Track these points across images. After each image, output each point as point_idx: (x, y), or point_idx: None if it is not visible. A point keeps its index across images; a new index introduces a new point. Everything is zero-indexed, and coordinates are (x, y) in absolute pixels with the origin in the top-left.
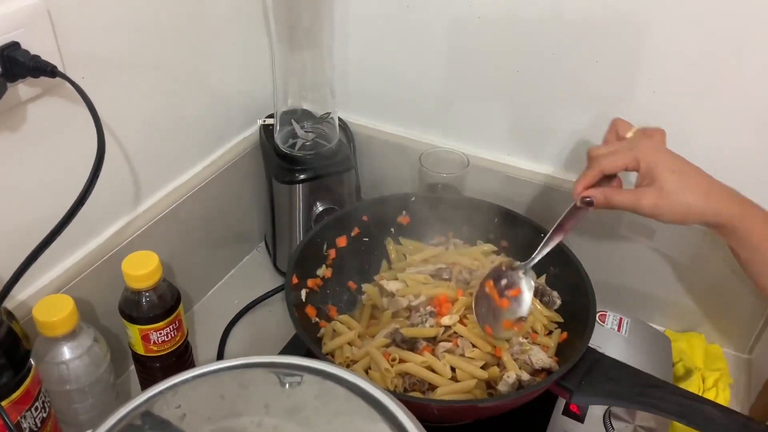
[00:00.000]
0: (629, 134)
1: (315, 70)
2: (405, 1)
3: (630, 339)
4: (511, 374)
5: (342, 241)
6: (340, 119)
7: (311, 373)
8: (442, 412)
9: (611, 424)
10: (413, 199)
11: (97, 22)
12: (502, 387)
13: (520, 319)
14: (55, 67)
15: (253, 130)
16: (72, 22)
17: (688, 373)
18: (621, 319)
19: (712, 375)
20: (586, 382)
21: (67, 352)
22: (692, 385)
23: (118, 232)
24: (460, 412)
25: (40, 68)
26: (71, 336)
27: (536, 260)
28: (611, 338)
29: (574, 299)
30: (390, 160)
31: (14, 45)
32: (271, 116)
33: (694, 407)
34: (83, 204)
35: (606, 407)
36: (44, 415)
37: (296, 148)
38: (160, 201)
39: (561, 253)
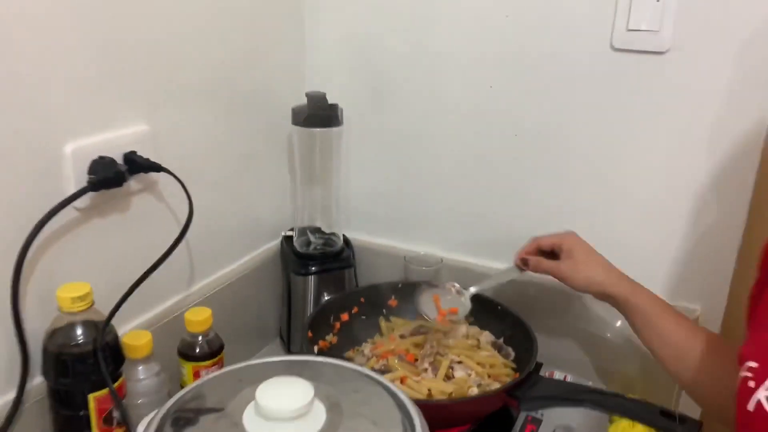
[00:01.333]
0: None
1: (324, 198)
2: (393, 156)
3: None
4: (474, 389)
5: (345, 317)
6: (343, 235)
7: None
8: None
9: None
10: (400, 286)
11: (181, 147)
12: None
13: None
14: (161, 165)
15: (275, 242)
16: (168, 140)
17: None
18: (566, 376)
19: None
20: (531, 393)
21: (141, 372)
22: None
23: (178, 302)
24: (433, 409)
25: (152, 166)
26: (145, 360)
27: (473, 292)
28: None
29: (525, 352)
30: (381, 262)
31: (133, 152)
32: (291, 230)
33: (615, 401)
34: (165, 259)
35: (553, 428)
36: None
37: (310, 248)
38: (206, 285)
39: (517, 321)
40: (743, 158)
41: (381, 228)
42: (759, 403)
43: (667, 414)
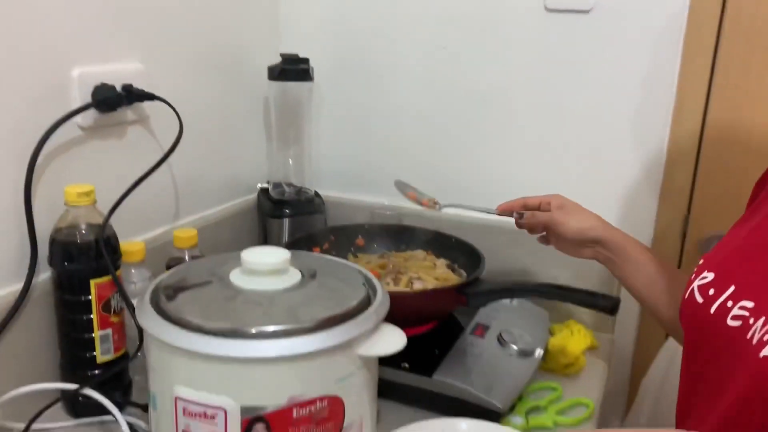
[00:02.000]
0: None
1: (297, 156)
2: (359, 117)
3: (517, 307)
4: (429, 285)
5: (316, 250)
6: (315, 191)
7: None
8: None
9: (503, 339)
10: (366, 227)
11: (169, 92)
12: None
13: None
14: (154, 95)
15: (252, 196)
16: (159, 81)
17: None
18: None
19: (580, 330)
20: (477, 290)
21: (135, 275)
22: (563, 336)
23: (165, 232)
24: (394, 300)
25: (147, 96)
26: (138, 266)
27: (445, 207)
28: (504, 307)
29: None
30: (349, 214)
31: (130, 84)
32: (267, 182)
33: (548, 288)
34: (157, 168)
35: (499, 331)
36: (121, 306)
37: (284, 196)
38: (192, 221)
39: (468, 248)
40: (658, 103)
41: (349, 184)
42: (692, 291)
43: (591, 294)
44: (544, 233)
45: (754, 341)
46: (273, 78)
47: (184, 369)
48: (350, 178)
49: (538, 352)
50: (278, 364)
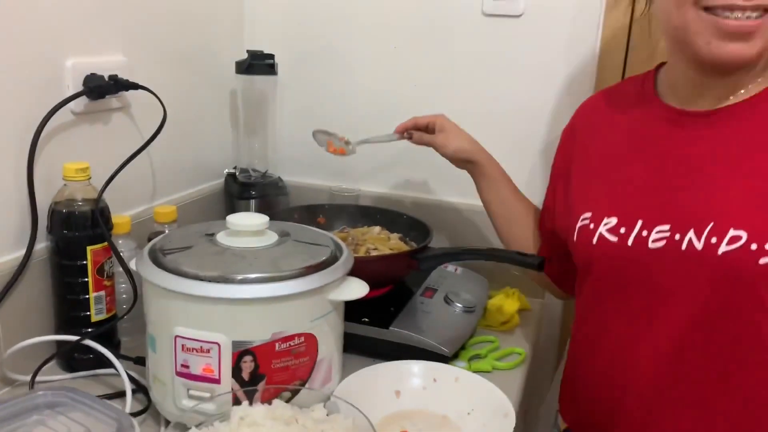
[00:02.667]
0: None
1: (262, 144)
2: (319, 107)
3: (461, 275)
4: (385, 253)
5: None
6: (279, 177)
7: None
8: None
9: (449, 299)
10: (326, 206)
11: (148, 80)
12: None
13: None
14: (138, 84)
15: (220, 181)
16: (140, 73)
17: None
18: (456, 267)
19: (515, 293)
20: (427, 255)
21: (122, 246)
22: (500, 298)
23: (145, 210)
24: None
25: (130, 85)
26: (125, 237)
27: (359, 142)
28: (450, 274)
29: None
30: (311, 197)
31: (115, 75)
32: (234, 168)
33: (487, 251)
34: (143, 150)
35: (445, 293)
36: (114, 270)
37: (250, 180)
38: (168, 201)
39: (418, 223)
40: (579, 94)
41: (309, 169)
42: (601, 236)
43: (521, 254)
44: None
45: (698, 248)
46: (240, 72)
47: (182, 311)
48: (311, 163)
49: (479, 308)
50: (262, 304)
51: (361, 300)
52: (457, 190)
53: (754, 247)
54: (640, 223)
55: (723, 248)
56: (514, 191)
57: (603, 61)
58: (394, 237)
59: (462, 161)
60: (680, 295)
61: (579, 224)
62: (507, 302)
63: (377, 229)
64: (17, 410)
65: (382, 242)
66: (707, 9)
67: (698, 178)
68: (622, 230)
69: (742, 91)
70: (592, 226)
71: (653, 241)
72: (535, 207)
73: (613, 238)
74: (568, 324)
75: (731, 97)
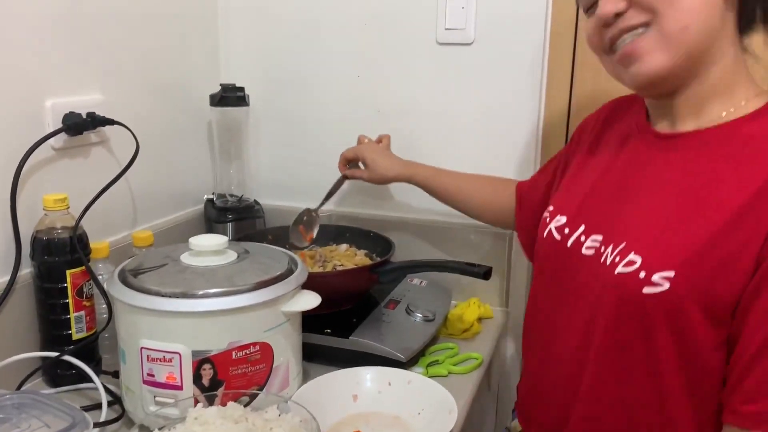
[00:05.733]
0: (365, 140)
1: (238, 171)
2: (292, 135)
3: (426, 287)
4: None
5: None
6: (255, 200)
7: None
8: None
9: (410, 310)
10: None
11: (127, 115)
12: None
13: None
14: (114, 120)
15: (199, 207)
16: (118, 109)
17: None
18: (422, 281)
19: (476, 302)
20: (387, 269)
21: (101, 269)
22: (461, 307)
23: (124, 236)
24: (316, 278)
25: (108, 121)
26: (105, 260)
27: (320, 207)
28: (415, 287)
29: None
30: (286, 219)
31: (93, 113)
32: (213, 194)
33: (442, 262)
34: (117, 180)
35: (407, 304)
36: (93, 292)
37: (227, 205)
38: (148, 228)
39: (382, 239)
40: (528, 112)
41: (285, 193)
42: (549, 231)
43: (469, 264)
44: None
45: (607, 263)
46: (214, 104)
47: (146, 325)
48: (285, 187)
49: (438, 318)
50: (219, 316)
51: (326, 312)
52: (420, 206)
53: (642, 275)
54: (582, 228)
55: (619, 269)
56: (455, 180)
57: (552, 80)
58: (360, 253)
59: (393, 181)
60: (590, 301)
61: (543, 215)
62: (468, 311)
63: (344, 246)
64: None
65: (349, 258)
66: (610, 51)
67: (636, 198)
68: (566, 231)
69: (710, 118)
70: (548, 220)
71: (586, 248)
72: (484, 178)
73: (557, 236)
74: None
75: (693, 122)
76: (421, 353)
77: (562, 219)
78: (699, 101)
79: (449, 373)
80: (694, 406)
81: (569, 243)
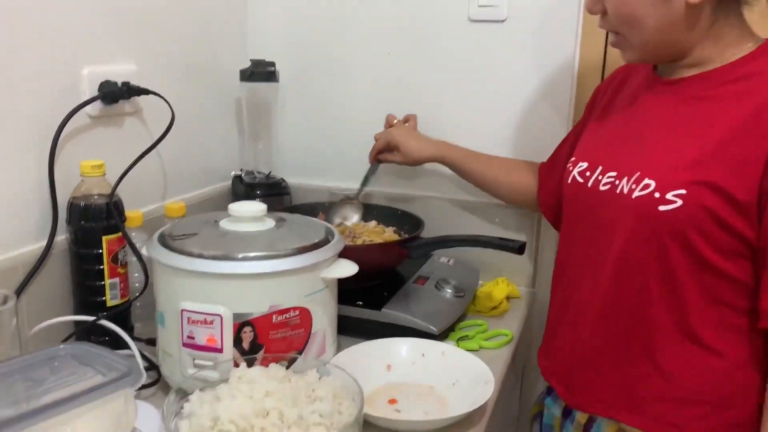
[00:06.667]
0: (395, 122)
1: (266, 148)
2: (319, 114)
3: (453, 265)
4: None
5: None
6: (282, 178)
7: None
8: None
9: (440, 285)
10: (327, 204)
11: (158, 88)
12: None
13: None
14: (149, 90)
15: (227, 183)
16: (150, 82)
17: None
18: (449, 259)
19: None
20: (416, 244)
21: (135, 238)
22: (489, 285)
23: (156, 208)
24: (350, 251)
25: (141, 91)
26: (138, 230)
27: (358, 194)
28: (443, 265)
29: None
30: (311, 197)
31: (127, 82)
32: (240, 170)
33: (473, 237)
34: (151, 150)
35: (437, 280)
36: (127, 259)
37: (255, 181)
38: (173, 202)
39: (410, 216)
40: (561, 94)
41: (311, 172)
42: (573, 177)
43: (502, 239)
44: None
45: (624, 192)
46: (244, 80)
47: (188, 287)
48: (312, 165)
49: (468, 294)
50: (260, 279)
51: (357, 286)
52: (446, 186)
53: (657, 195)
54: (599, 168)
55: (636, 193)
56: (486, 163)
57: (584, 59)
58: (389, 230)
59: (426, 161)
60: (613, 233)
61: (567, 166)
62: (496, 289)
63: (373, 223)
64: (43, 357)
65: (377, 234)
66: None
67: (644, 135)
68: (588, 174)
69: (711, 65)
70: (570, 168)
71: (603, 185)
72: (514, 162)
73: (580, 179)
74: None
75: (696, 69)
76: (451, 329)
77: (583, 164)
78: (697, 62)
79: (480, 347)
80: (713, 320)
81: (590, 183)
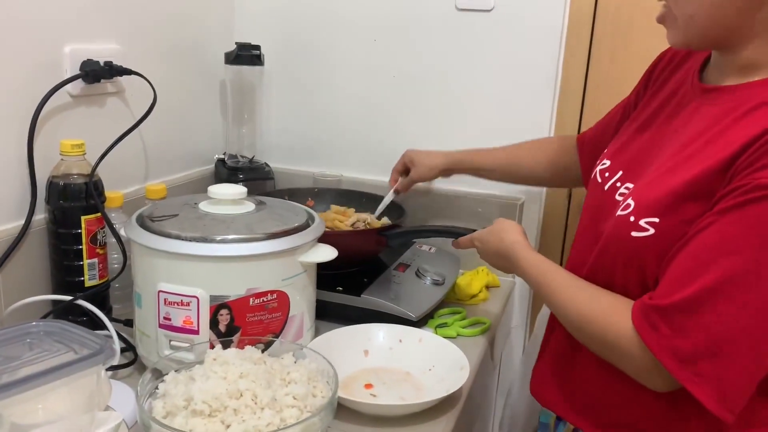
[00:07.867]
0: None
1: (250, 133)
2: (304, 99)
3: (435, 253)
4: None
5: None
6: (265, 163)
7: None
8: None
9: (420, 273)
10: (316, 190)
11: (142, 68)
12: None
13: None
14: (132, 70)
15: (210, 167)
16: (133, 62)
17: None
18: (431, 247)
19: (484, 270)
20: (394, 233)
21: (115, 219)
22: (469, 274)
23: (137, 190)
24: (330, 237)
25: (124, 71)
26: (119, 210)
27: (379, 211)
28: (425, 252)
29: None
30: (296, 182)
31: (110, 62)
32: (224, 154)
33: (446, 227)
34: (134, 129)
35: (417, 268)
36: (106, 240)
37: (239, 165)
38: (159, 182)
39: (398, 208)
40: (545, 84)
41: (295, 157)
42: (595, 174)
43: (473, 230)
44: None
45: (621, 206)
46: (229, 62)
47: (165, 268)
48: (296, 150)
49: (448, 282)
50: (238, 262)
51: (337, 272)
52: None
53: (632, 219)
54: (619, 173)
55: (618, 212)
56: (498, 159)
57: (569, 48)
58: (384, 220)
59: (448, 174)
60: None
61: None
62: (476, 278)
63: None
64: (16, 333)
65: (371, 220)
66: None
67: (657, 146)
68: (607, 174)
69: (759, 74)
70: (598, 162)
71: (619, 194)
72: (523, 144)
73: (599, 179)
74: (537, 303)
75: (736, 78)
76: (430, 315)
77: (607, 162)
78: (744, 65)
79: (458, 334)
80: None
81: (606, 187)
